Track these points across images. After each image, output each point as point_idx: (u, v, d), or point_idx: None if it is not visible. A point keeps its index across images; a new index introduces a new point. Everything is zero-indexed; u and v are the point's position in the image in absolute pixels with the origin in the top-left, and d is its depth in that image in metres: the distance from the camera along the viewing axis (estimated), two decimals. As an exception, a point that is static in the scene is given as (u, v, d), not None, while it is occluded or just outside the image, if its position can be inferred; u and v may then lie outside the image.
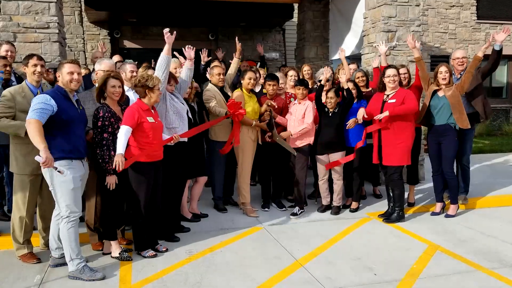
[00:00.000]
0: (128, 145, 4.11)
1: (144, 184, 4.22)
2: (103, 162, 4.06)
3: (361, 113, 5.40)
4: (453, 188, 5.59)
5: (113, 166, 3.97)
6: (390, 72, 5.32)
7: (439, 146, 5.52)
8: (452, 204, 5.63)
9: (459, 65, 5.80)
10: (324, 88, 5.87)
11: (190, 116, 5.01)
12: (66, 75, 3.83)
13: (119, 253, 4.26)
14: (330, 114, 5.59)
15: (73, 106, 3.90)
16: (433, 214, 5.65)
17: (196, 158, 5.29)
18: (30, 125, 3.57)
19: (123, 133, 4.01)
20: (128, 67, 4.95)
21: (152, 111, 4.30)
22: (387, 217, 5.43)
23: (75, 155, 3.84)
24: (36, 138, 3.53)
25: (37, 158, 3.49)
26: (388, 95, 5.35)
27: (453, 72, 5.94)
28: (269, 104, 5.50)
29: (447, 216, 5.56)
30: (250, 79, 5.50)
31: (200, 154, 5.41)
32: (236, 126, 5.26)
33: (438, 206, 5.69)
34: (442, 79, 5.37)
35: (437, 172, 5.65)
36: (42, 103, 3.65)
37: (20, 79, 5.27)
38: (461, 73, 5.73)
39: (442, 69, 5.39)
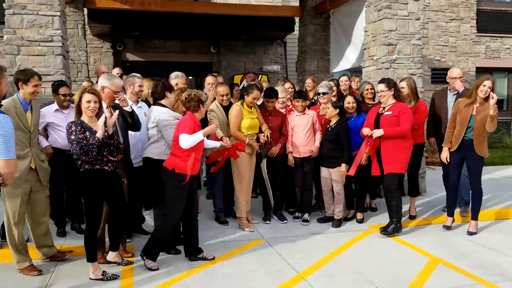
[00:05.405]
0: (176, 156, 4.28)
1: (182, 196, 4.33)
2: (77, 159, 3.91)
3: (366, 131, 5.26)
4: (478, 203, 5.42)
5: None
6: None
7: (462, 160, 5.37)
8: (473, 220, 5.46)
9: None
10: (322, 101, 5.93)
11: None
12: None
13: (102, 274, 4.06)
14: (329, 129, 5.61)
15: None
16: (445, 227, 5.53)
17: None
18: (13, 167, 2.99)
19: (190, 136, 4.14)
20: (138, 81, 4.93)
21: None
22: (384, 229, 5.36)
23: None
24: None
25: None
26: (384, 108, 5.32)
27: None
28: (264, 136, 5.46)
29: (470, 233, 5.35)
30: (254, 99, 5.44)
31: None
32: (229, 154, 5.17)
33: (449, 220, 5.57)
34: (481, 91, 5.10)
35: (454, 186, 5.49)
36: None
37: None
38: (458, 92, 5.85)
39: (487, 82, 5.07)
